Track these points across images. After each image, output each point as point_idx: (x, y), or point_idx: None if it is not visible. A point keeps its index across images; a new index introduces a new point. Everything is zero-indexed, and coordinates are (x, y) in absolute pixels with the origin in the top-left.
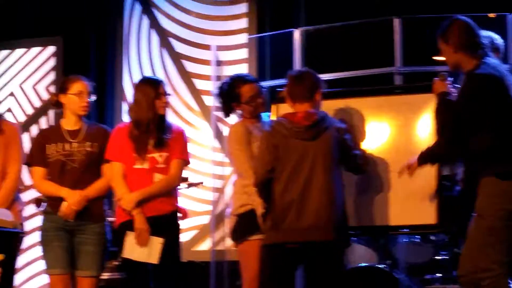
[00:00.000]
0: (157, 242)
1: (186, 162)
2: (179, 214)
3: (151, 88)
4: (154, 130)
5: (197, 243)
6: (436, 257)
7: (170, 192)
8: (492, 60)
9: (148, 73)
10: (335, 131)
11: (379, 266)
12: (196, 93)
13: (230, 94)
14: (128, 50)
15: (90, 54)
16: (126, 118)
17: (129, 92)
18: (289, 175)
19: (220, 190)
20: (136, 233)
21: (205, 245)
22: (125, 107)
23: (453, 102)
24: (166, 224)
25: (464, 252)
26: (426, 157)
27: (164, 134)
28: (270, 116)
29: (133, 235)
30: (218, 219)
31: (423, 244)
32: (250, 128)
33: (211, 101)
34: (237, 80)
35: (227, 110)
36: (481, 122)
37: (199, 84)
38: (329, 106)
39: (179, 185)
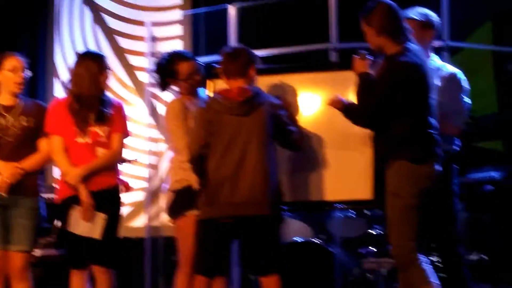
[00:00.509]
0: (100, 218)
1: (127, 135)
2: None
3: (94, 62)
4: (96, 105)
5: (131, 220)
6: (370, 231)
7: (113, 166)
8: (413, 45)
9: (80, 49)
10: (269, 107)
11: (314, 240)
12: (130, 69)
13: (167, 70)
14: (60, 26)
15: (21, 30)
16: (59, 94)
17: (61, 69)
18: (223, 151)
19: (154, 167)
20: (82, 208)
21: (139, 222)
22: (57, 84)
23: (374, 84)
24: (109, 198)
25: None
26: (348, 112)
27: (106, 109)
28: (206, 92)
29: (78, 210)
30: (152, 195)
31: (357, 218)
32: (187, 104)
33: (145, 77)
34: (175, 57)
35: (163, 85)
36: (401, 108)
37: (133, 60)
38: (264, 83)
39: (121, 159)
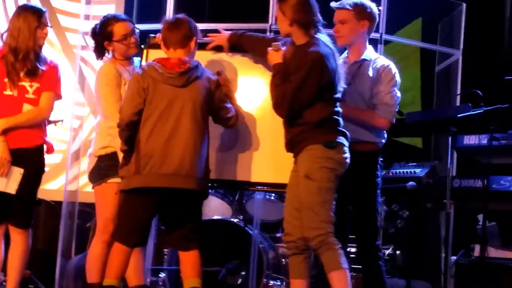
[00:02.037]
0: (17, 173)
1: (57, 96)
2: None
3: (34, 16)
4: (31, 59)
5: (47, 182)
6: None
7: (39, 125)
8: (324, 36)
9: (10, 4)
10: (207, 81)
11: (233, 220)
12: (60, 30)
13: (103, 32)
14: None
15: None
16: None
17: None
18: (156, 121)
19: (76, 130)
20: None
21: (55, 185)
22: None
23: (288, 74)
24: (30, 157)
25: (289, 216)
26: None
27: (39, 65)
28: (141, 61)
29: None
30: (72, 159)
31: (278, 202)
32: (120, 70)
33: (75, 39)
34: (110, 19)
35: (100, 50)
36: (317, 97)
37: (64, 21)
38: (201, 57)
39: (48, 118)
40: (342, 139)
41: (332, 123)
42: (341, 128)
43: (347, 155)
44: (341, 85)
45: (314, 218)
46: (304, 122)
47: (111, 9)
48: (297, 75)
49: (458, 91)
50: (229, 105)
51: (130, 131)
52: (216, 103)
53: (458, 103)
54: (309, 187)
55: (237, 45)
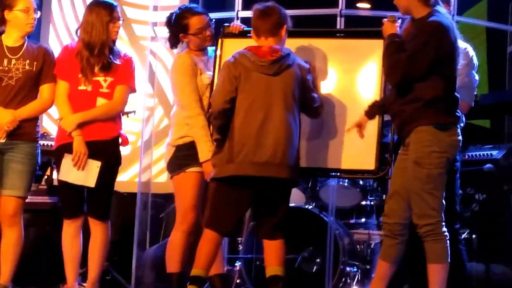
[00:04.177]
0: (95, 166)
1: (131, 89)
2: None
3: (105, 11)
4: (105, 53)
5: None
6: (363, 203)
7: (114, 118)
8: (442, 9)
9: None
10: (298, 69)
11: (309, 208)
12: (127, 22)
13: (178, 24)
14: None
15: None
16: (52, 40)
17: (56, 16)
18: (248, 109)
19: (146, 121)
20: (74, 155)
21: (125, 176)
22: (52, 30)
23: (404, 45)
24: (105, 149)
25: (390, 199)
26: (376, 110)
27: (113, 59)
28: (215, 50)
29: (70, 157)
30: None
31: (351, 188)
32: (196, 60)
33: (143, 31)
34: (186, 11)
35: (175, 41)
36: (432, 69)
37: (131, 13)
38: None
39: (123, 111)
40: (457, 118)
41: (446, 103)
42: (457, 106)
43: (460, 137)
44: (459, 62)
45: (423, 206)
46: (415, 98)
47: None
48: (414, 42)
49: None
50: (316, 95)
51: (222, 119)
52: (305, 92)
53: None
54: (418, 174)
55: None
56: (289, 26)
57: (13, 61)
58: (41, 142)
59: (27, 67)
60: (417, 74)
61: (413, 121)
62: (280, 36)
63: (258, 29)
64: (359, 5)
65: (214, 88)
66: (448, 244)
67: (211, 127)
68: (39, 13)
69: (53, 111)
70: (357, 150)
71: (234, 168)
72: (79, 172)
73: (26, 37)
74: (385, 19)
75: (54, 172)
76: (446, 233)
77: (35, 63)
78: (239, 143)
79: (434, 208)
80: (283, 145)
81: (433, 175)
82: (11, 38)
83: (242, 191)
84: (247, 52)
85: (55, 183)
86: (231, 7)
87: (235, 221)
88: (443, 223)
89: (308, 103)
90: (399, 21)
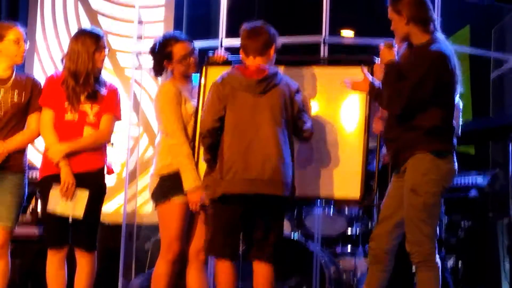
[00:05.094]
0: (83, 195)
1: (117, 118)
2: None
3: (91, 40)
4: (91, 83)
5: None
6: (347, 231)
7: (100, 148)
8: (441, 36)
9: (62, 28)
10: (286, 88)
11: (294, 236)
12: (112, 52)
13: (162, 52)
14: (42, 5)
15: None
16: (37, 71)
17: (41, 46)
18: (237, 128)
19: (131, 151)
20: (62, 185)
21: (110, 207)
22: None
23: (403, 72)
24: (93, 180)
25: (383, 226)
26: (378, 96)
27: (99, 88)
28: (200, 78)
29: (58, 188)
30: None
31: (337, 216)
32: (181, 88)
33: (126, 61)
34: (170, 39)
35: (159, 69)
36: (432, 98)
37: (115, 43)
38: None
39: (109, 140)
40: (453, 146)
41: (444, 130)
42: (453, 135)
43: (456, 165)
44: (459, 89)
45: (417, 233)
46: (414, 126)
47: (160, 28)
48: (416, 72)
49: None
50: (305, 115)
51: (212, 138)
52: (294, 110)
53: None
54: (414, 202)
55: None
56: (278, 45)
57: (2, 92)
58: None
59: (15, 98)
60: (418, 104)
61: (410, 148)
62: (269, 56)
63: (246, 48)
64: (342, 31)
65: (203, 108)
66: (440, 273)
67: (201, 148)
68: (28, 43)
69: (38, 141)
70: (342, 178)
71: (224, 186)
72: (67, 203)
73: (14, 67)
74: (382, 44)
75: (39, 203)
76: (439, 262)
77: (23, 93)
78: (229, 161)
79: (428, 235)
80: (272, 162)
81: (429, 204)
82: (0, 68)
83: (235, 210)
84: (235, 72)
85: (40, 214)
86: (215, 35)
87: (233, 244)
88: (435, 252)
89: (297, 123)
90: (396, 46)
